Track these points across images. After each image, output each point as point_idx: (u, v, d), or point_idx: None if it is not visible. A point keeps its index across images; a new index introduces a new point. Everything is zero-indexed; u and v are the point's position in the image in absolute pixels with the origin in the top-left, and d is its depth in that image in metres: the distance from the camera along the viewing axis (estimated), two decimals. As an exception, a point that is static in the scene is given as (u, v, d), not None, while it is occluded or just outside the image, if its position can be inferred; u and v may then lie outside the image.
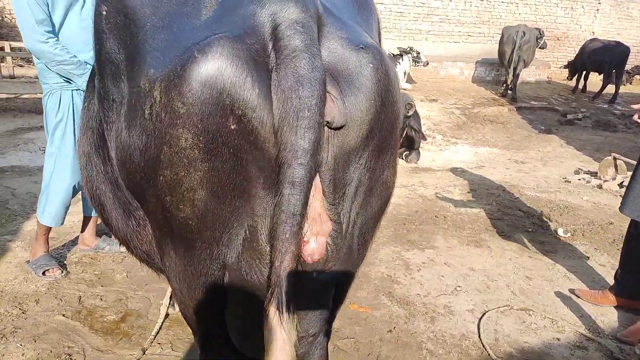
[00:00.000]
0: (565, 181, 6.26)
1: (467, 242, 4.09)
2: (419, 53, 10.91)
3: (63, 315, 2.71)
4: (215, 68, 0.99)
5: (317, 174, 1.07)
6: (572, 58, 12.46)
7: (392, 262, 3.60)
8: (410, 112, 6.38)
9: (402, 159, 6.93)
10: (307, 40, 1.01)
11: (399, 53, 10.71)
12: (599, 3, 14.14)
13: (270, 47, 1.03)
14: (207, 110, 1.00)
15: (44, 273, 3.05)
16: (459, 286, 3.34)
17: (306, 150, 0.99)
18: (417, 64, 11.03)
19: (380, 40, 1.43)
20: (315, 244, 1.08)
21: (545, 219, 4.70)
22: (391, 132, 1.19)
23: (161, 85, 1.04)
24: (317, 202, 1.08)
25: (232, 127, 1.01)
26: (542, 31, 11.36)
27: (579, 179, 6.31)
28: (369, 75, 1.09)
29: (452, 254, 3.84)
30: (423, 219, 4.51)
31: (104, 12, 1.24)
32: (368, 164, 1.17)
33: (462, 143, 8.29)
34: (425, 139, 7.00)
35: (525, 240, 4.21)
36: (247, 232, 1.13)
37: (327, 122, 1.05)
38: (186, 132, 1.02)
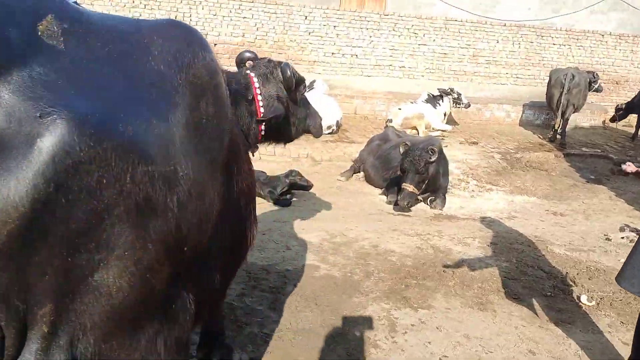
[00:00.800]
0: (606, 239, 5.65)
1: (471, 303, 3.70)
2: (460, 94, 10.59)
3: None
4: None
5: None
6: (628, 101, 11.61)
7: (377, 321, 3.31)
8: (433, 158, 6.09)
9: (427, 204, 6.59)
10: None
11: (439, 94, 10.46)
12: (663, 45, 13.24)
13: None
14: None
15: None
16: (445, 356, 2.99)
17: None
18: (459, 106, 10.70)
19: (184, 119, 1.19)
20: None
21: (569, 282, 4.21)
22: (90, 224, 0.96)
23: None
24: None
25: None
26: (596, 74, 10.70)
27: (622, 237, 5.68)
28: (33, 154, 0.88)
29: (449, 316, 3.48)
30: (428, 274, 4.17)
31: None
32: (43, 267, 0.94)
33: (498, 190, 7.79)
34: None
35: (540, 306, 3.76)
36: None
37: None
38: None
